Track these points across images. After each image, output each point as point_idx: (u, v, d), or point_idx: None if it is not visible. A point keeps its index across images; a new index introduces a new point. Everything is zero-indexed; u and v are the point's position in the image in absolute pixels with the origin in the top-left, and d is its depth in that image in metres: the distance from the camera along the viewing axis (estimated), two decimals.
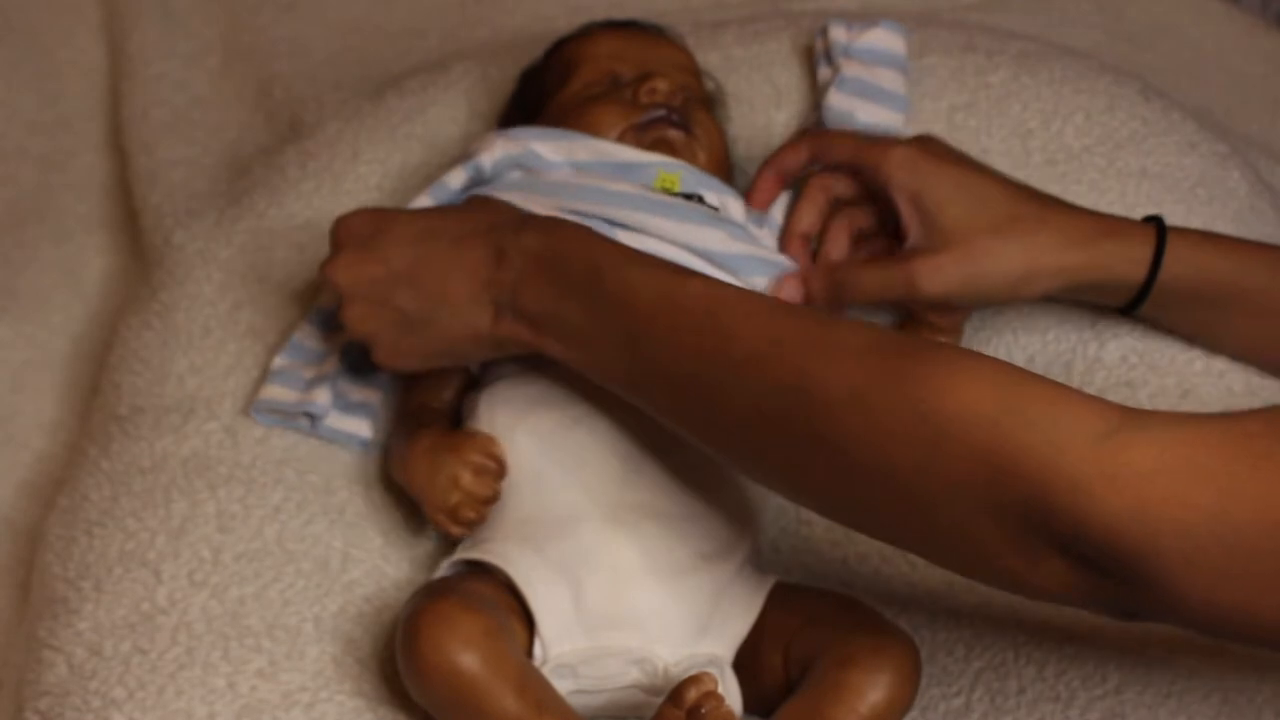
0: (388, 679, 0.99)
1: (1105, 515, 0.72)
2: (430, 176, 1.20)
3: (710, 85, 1.22)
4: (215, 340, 1.15)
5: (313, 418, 1.11)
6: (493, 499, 1.01)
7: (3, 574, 1.18)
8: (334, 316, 1.11)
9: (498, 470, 1.01)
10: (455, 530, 1.01)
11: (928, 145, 1.09)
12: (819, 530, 1.12)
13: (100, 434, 1.12)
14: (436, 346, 1.02)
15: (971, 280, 1.05)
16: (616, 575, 0.98)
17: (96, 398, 1.18)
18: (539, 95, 1.19)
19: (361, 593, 1.05)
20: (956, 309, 1.11)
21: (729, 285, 0.92)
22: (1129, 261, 1.05)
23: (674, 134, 1.13)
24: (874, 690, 0.92)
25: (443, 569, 1.01)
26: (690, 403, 0.90)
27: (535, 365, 1.04)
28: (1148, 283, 1.05)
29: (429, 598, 0.93)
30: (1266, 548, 0.70)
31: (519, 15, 1.52)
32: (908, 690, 0.94)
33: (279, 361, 1.13)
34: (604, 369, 0.94)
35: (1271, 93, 1.49)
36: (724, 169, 1.16)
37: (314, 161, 1.25)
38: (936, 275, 1.05)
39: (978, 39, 1.29)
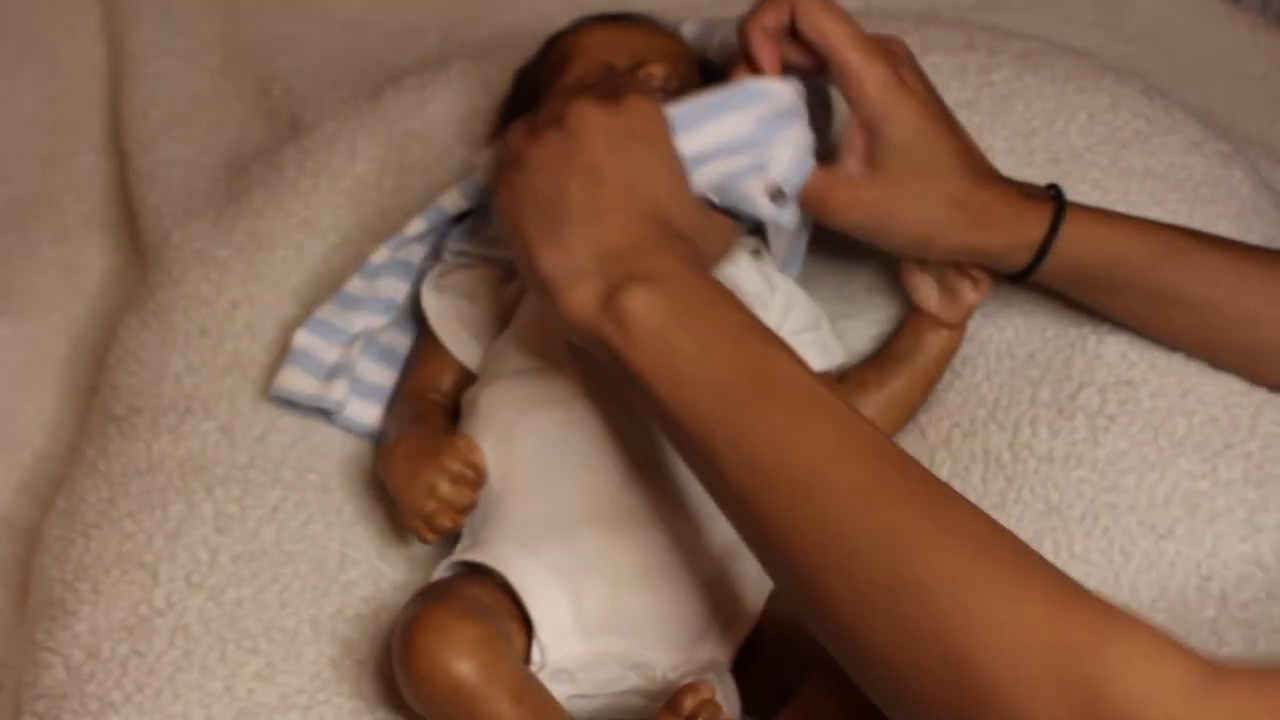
0: (385, 681, 0.99)
1: None
2: (429, 175, 1.20)
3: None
4: (212, 340, 1.15)
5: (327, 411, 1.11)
6: (470, 507, 1.00)
7: (2, 575, 1.18)
8: (363, 300, 1.12)
9: (476, 479, 1.00)
10: (430, 538, 1.01)
11: (908, 75, 1.04)
12: None
13: (98, 435, 1.12)
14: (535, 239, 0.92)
15: (877, 228, 1.05)
16: (615, 580, 0.97)
17: (95, 398, 1.18)
18: (533, 92, 1.18)
19: (359, 594, 1.05)
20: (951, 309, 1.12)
21: (860, 416, 0.86)
22: (1019, 247, 1.05)
23: None
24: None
25: (441, 570, 1.00)
26: (770, 501, 0.83)
27: (537, 365, 1.04)
28: (1033, 265, 1.06)
29: (425, 604, 0.93)
30: None
31: (518, 13, 1.51)
32: None
33: (300, 339, 1.11)
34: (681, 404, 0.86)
35: (1271, 93, 1.49)
36: None
37: (312, 160, 1.25)
38: (851, 210, 1.04)
39: (979, 38, 1.29)
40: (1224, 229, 1.15)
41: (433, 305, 1.11)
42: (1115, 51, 1.43)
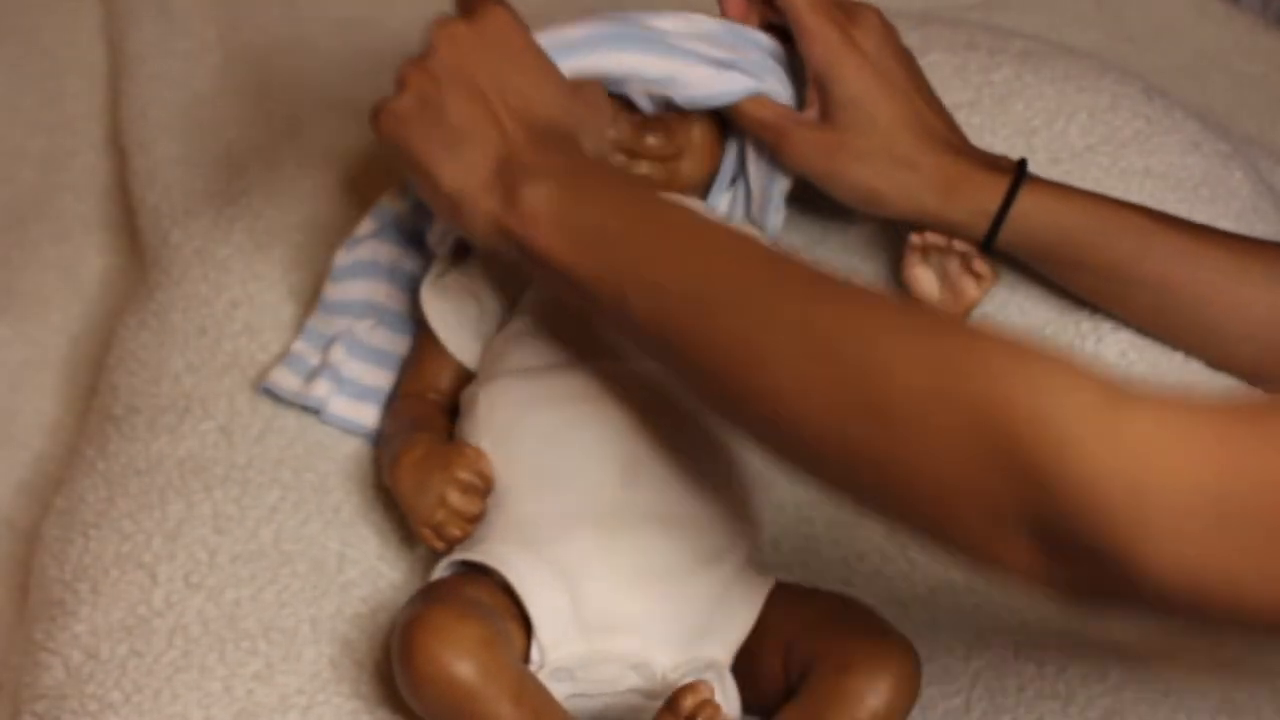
0: (384, 681, 0.99)
1: (1098, 476, 0.70)
2: None
3: None
4: (211, 340, 1.15)
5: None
6: (479, 516, 1.01)
7: (2, 575, 1.18)
8: (340, 304, 1.14)
9: (484, 488, 1.01)
10: (440, 546, 1.01)
11: (862, 38, 1.10)
12: (819, 529, 1.12)
13: (97, 435, 1.12)
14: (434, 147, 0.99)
15: (829, 175, 1.11)
16: (615, 579, 0.97)
17: (94, 398, 1.18)
18: None
19: (358, 594, 1.05)
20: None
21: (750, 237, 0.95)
22: (975, 214, 1.09)
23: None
24: (873, 696, 0.92)
25: (440, 569, 1.00)
26: (680, 321, 0.89)
27: (537, 365, 1.04)
28: (990, 235, 1.09)
29: (425, 605, 0.93)
30: (1260, 515, 0.68)
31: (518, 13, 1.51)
32: (907, 696, 0.94)
33: (297, 345, 1.14)
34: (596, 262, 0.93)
35: (1271, 93, 1.49)
36: (716, 158, 1.15)
37: (311, 160, 1.25)
38: (805, 151, 1.10)
39: (980, 37, 1.29)
40: (1224, 229, 1.15)
41: (431, 304, 1.11)
42: (1115, 51, 1.43)
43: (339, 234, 1.19)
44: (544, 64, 1.02)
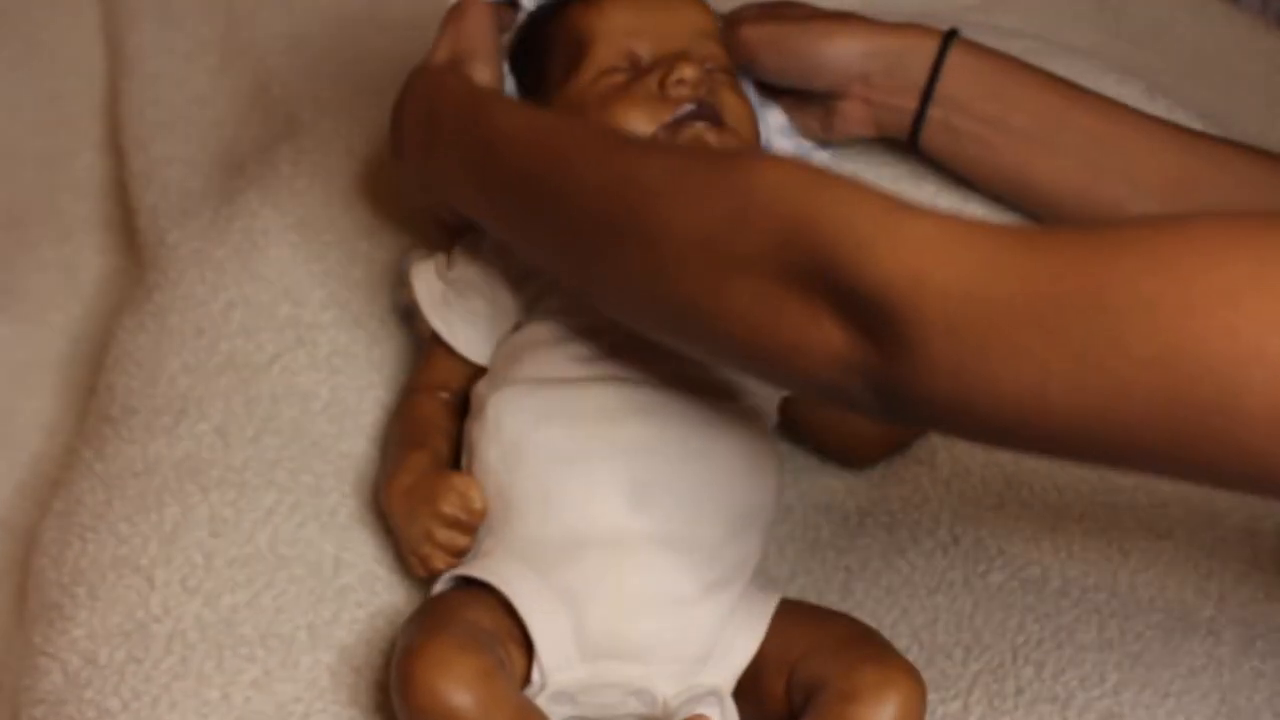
0: (381, 689, 0.99)
1: (882, 270, 0.76)
2: None
3: None
4: (207, 341, 1.14)
5: None
6: (465, 550, 1.00)
7: (1, 576, 1.18)
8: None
9: (471, 522, 1.00)
10: (423, 574, 1.01)
11: None
12: (825, 534, 1.12)
13: (94, 436, 1.12)
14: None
15: (774, 42, 1.15)
16: (619, 604, 0.96)
17: (92, 399, 1.18)
18: (539, 80, 1.13)
19: (355, 599, 1.04)
20: None
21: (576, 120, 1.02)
22: (917, 55, 1.15)
23: (705, 129, 1.05)
24: None
25: (441, 583, 1.00)
26: (528, 212, 0.97)
27: (550, 376, 1.03)
28: (928, 91, 1.14)
29: (423, 635, 0.91)
30: (1019, 319, 0.74)
31: None
32: None
33: None
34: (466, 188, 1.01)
35: (1271, 93, 1.49)
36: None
37: (308, 159, 1.24)
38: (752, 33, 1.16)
39: (980, 37, 1.28)
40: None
41: (437, 305, 1.10)
42: (1115, 51, 1.43)
43: (335, 234, 1.20)
44: None
